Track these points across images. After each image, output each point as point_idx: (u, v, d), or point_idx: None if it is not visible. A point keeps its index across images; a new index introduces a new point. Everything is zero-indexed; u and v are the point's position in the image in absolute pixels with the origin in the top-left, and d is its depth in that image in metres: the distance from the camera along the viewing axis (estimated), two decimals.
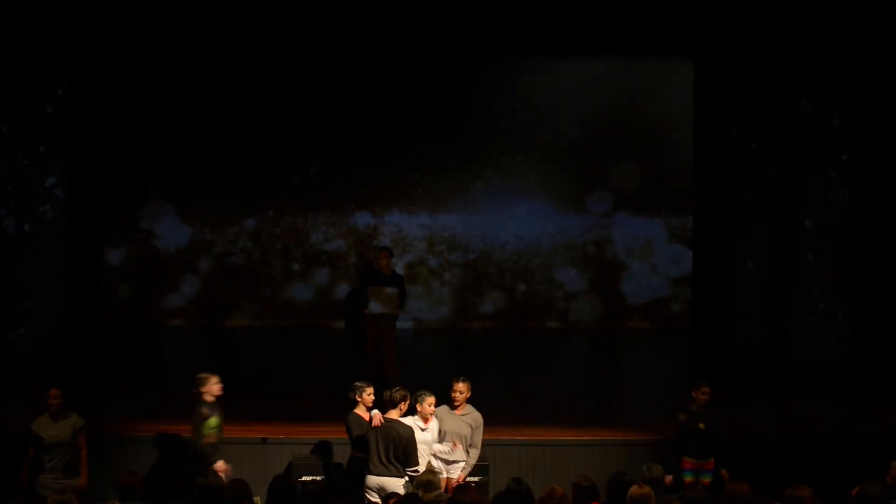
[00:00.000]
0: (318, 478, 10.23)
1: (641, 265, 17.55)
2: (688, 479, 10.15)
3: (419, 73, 16.80)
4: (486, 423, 10.53)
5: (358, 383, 10.14)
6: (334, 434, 10.95)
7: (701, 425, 10.28)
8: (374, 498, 9.44)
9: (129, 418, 11.69)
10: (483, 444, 10.64)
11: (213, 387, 10.11)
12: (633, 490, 7.75)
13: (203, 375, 10.15)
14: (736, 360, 14.18)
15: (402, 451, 9.58)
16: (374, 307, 12.77)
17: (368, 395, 10.06)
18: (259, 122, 17.02)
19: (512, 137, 17.33)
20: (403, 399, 9.79)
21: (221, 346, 16.90)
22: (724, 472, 10.11)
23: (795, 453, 11.05)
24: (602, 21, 14.46)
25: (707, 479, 10.12)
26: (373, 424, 9.67)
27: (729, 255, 14.54)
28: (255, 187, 17.25)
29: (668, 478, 10.10)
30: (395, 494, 8.59)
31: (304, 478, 10.19)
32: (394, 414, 9.72)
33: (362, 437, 9.86)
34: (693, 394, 10.45)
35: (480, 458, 10.54)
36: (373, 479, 9.58)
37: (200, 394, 10.09)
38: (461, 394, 10.07)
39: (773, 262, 14.37)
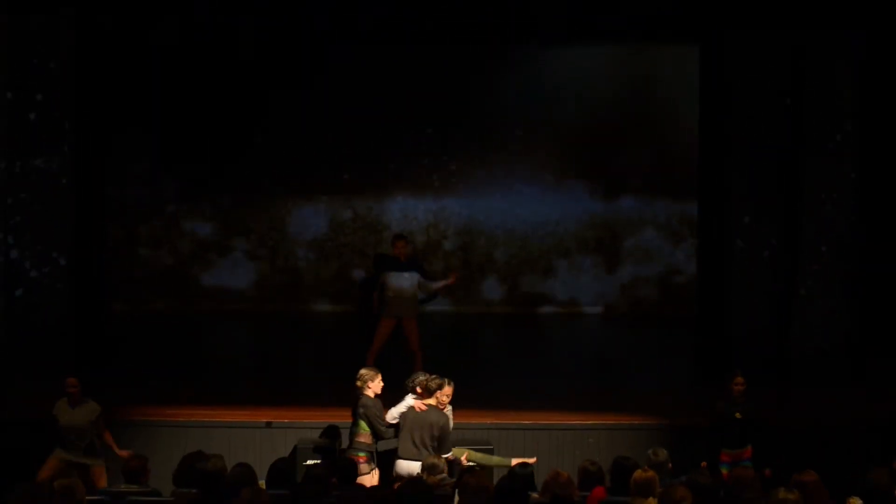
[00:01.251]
0: (323, 462, 10.22)
1: (646, 251, 17.52)
2: (725, 471, 10.08)
3: (424, 58, 16.77)
4: (490, 407, 10.57)
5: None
6: (339, 418, 10.96)
7: (737, 414, 10.28)
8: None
9: (136, 403, 11.70)
10: (487, 428, 10.67)
11: (377, 385, 9.95)
12: (638, 474, 7.76)
13: (368, 373, 9.95)
14: (740, 350, 14.18)
15: (437, 437, 9.64)
16: (393, 289, 12.64)
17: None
18: (264, 107, 16.97)
19: (516, 122, 17.28)
20: (440, 387, 9.80)
21: (227, 330, 16.91)
22: (767, 472, 9.97)
23: (800, 442, 11.03)
24: (606, 6, 14.46)
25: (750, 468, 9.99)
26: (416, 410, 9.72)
27: (732, 244, 14.54)
28: (261, 172, 17.21)
29: (704, 463, 10.11)
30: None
31: (308, 462, 10.18)
32: (429, 401, 9.77)
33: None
34: (727, 385, 10.45)
35: (485, 442, 10.56)
36: (404, 465, 9.61)
37: (365, 389, 9.91)
38: (448, 397, 9.99)
39: (778, 251, 14.36)
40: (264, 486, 8.54)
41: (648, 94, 17.16)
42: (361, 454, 9.84)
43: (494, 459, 10.15)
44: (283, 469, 9.12)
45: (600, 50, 17.13)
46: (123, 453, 10.09)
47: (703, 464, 10.10)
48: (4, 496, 6.67)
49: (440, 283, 13.19)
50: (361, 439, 9.92)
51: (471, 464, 9.81)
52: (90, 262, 15.17)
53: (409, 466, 9.59)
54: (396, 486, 8.18)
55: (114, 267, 16.75)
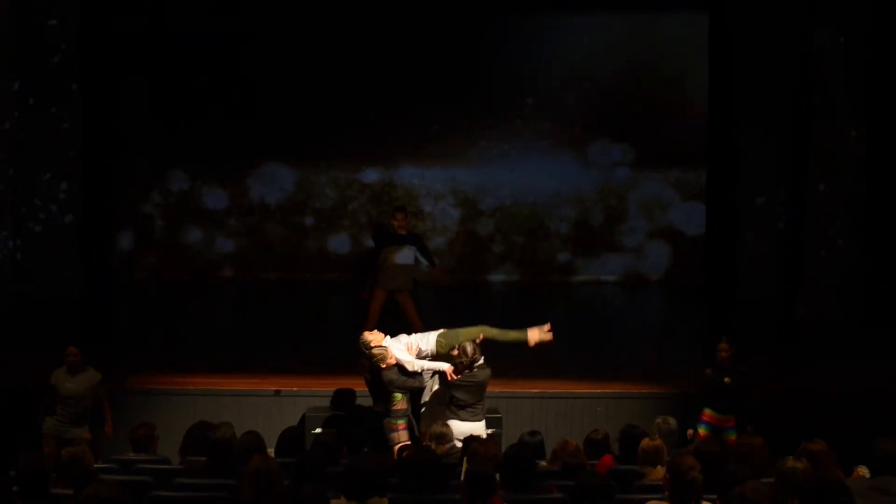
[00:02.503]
0: (331, 430, 10.22)
1: (654, 220, 17.48)
2: (702, 431, 10.14)
3: (434, 25, 16.70)
4: (499, 376, 10.58)
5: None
6: (348, 386, 10.98)
7: (726, 379, 10.27)
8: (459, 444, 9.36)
9: (144, 371, 11.72)
10: (496, 397, 10.68)
11: (392, 358, 9.89)
12: (646, 443, 7.76)
13: (380, 352, 9.84)
14: (748, 317, 14.19)
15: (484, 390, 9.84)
16: (389, 261, 12.63)
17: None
18: (271, 76, 16.90)
19: (526, 91, 17.21)
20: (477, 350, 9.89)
21: (234, 299, 16.92)
22: (750, 428, 9.95)
23: (807, 410, 11.01)
24: None
25: (732, 437, 9.94)
26: (451, 378, 9.76)
27: (741, 211, 14.52)
28: (268, 142, 17.15)
29: (690, 431, 10.12)
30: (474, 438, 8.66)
31: (316, 430, 10.19)
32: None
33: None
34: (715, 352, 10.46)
35: (493, 411, 10.57)
36: (461, 426, 9.61)
37: (382, 364, 9.88)
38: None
39: (786, 218, 14.34)
40: (273, 455, 8.55)
41: (658, 62, 17.07)
42: (400, 421, 9.85)
43: (511, 334, 10.22)
44: (293, 438, 9.15)
45: (610, 18, 17.05)
46: (108, 430, 10.32)
47: (689, 431, 10.13)
48: (12, 465, 6.68)
49: (434, 270, 13.16)
50: (399, 407, 9.92)
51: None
52: (98, 230, 15.23)
53: (467, 427, 9.61)
54: (405, 454, 8.18)
55: (119, 235, 16.83)
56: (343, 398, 10.87)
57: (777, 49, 14.18)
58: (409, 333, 10.41)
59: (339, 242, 17.45)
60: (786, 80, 14.21)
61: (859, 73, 13.92)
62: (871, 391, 11.45)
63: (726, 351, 10.38)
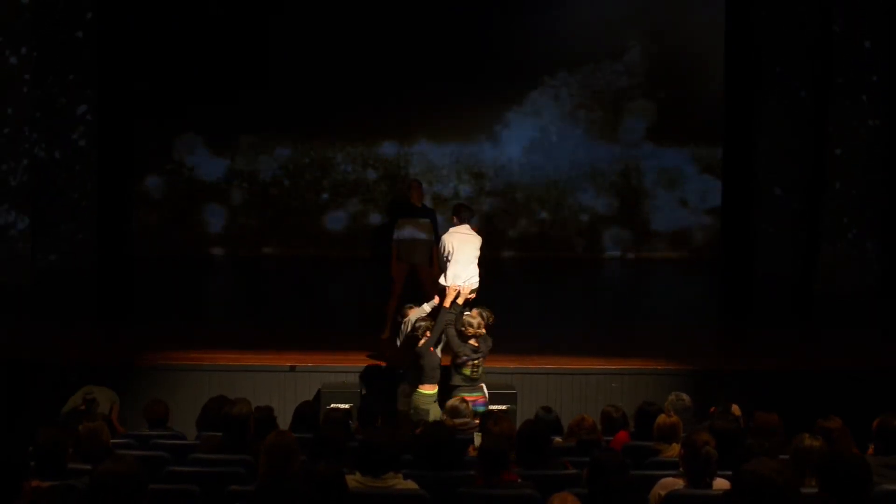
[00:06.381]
0: (346, 406, 10.24)
1: (671, 195, 17.43)
2: None
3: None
4: (514, 352, 10.58)
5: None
6: (363, 363, 11.00)
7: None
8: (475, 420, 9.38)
9: (160, 348, 11.73)
10: (511, 373, 10.69)
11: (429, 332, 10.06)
12: (662, 419, 7.74)
13: (425, 323, 9.97)
14: (763, 292, 14.15)
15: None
16: (407, 233, 12.48)
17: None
18: (287, 52, 16.88)
19: (540, 66, 17.16)
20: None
21: (252, 275, 16.94)
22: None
23: (821, 386, 10.97)
24: None
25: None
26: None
27: (758, 186, 14.47)
28: (285, 117, 17.14)
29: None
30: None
31: (331, 405, 10.20)
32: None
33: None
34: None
35: (508, 387, 10.57)
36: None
37: (423, 337, 9.96)
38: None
39: (802, 193, 14.30)
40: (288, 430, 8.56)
41: (675, 38, 17.00)
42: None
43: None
44: (307, 413, 9.16)
45: None
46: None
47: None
48: (29, 439, 6.70)
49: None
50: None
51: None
52: (114, 206, 15.26)
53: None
54: (418, 431, 8.18)
55: (142, 206, 16.88)
56: (357, 375, 10.89)
57: (795, 28, 14.11)
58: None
59: (356, 218, 17.44)
60: (804, 57, 14.15)
61: (880, 50, 13.84)
62: (888, 367, 11.38)
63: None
